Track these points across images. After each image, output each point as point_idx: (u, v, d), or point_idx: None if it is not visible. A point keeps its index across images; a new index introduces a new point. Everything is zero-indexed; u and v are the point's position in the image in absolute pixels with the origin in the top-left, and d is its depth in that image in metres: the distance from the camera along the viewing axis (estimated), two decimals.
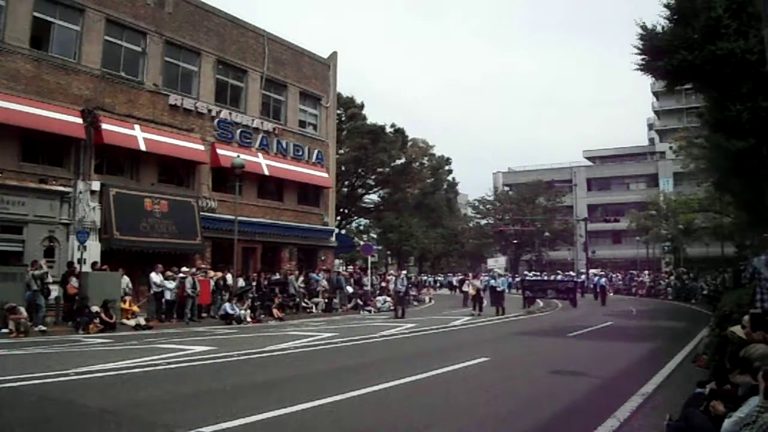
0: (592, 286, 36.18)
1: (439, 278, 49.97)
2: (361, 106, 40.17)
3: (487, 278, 27.76)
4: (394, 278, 23.67)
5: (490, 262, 36.96)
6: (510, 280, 38.90)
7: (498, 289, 23.30)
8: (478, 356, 9.92)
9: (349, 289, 25.56)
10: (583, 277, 41.28)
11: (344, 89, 36.97)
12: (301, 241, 26.17)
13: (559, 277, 37.06)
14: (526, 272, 49.65)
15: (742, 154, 12.34)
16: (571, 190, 63.26)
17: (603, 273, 38.51)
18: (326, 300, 23.72)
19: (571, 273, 41.84)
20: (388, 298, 26.60)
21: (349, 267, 34.56)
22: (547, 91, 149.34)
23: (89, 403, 6.17)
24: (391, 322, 17.92)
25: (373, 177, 42.13)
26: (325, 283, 24.12)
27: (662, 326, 17.74)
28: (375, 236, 54.05)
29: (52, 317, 15.31)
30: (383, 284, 29.28)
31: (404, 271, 32.42)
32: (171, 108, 21.09)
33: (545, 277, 37.81)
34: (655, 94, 65.30)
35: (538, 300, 26.69)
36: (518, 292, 31.86)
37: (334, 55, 29.17)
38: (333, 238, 28.53)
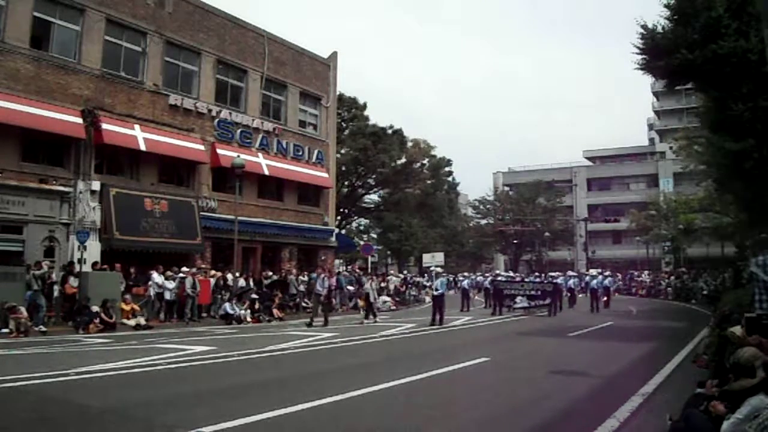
0: (587, 287, 29.52)
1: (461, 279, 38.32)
2: (364, 107, 40.18)
3: (369, 284, 20.15)
4: (319, 278, 18.30)
5: (426, 258, 29.95)
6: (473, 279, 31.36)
7: (436, 292, 18.42)
8: (478, 356, 9.91)
9: (350, 289, 25.57)
10: (575, 280, 32.13)
11: (345, 89, 36.97)
12: (301, 241, 26.17)
13: (537, 279, 27.82)
14: (498, 271, 41.36)
15: (741, 154, 12.33)
16: (571, 190, 63.25)
17: (607, 273, 31.94)
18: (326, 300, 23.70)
19: (552, 274, 32.89)
20: (388, 299, 26.62)
21: (349, 266, 34.44)
22: (547, 91, 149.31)
23: (89, 403, 6.17)
24: (392, 322, 17.88)
25: (373, 177, 42.11)
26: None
27: (662, 326, 17.74)
28: (375, 236, 54.06)
29: (52, 317, 15.30)
30: (383, 284, 29.33)
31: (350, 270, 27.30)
32: (171, 108, 21.09)
33: (517, 278, 29.19)
34: (655, 94, 65.30)
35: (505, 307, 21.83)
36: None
37: (334, 55, 29.18)
38: (333, 238, 28.52)
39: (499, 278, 26.91)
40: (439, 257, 28.59)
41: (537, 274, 34.08)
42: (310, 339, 12.80)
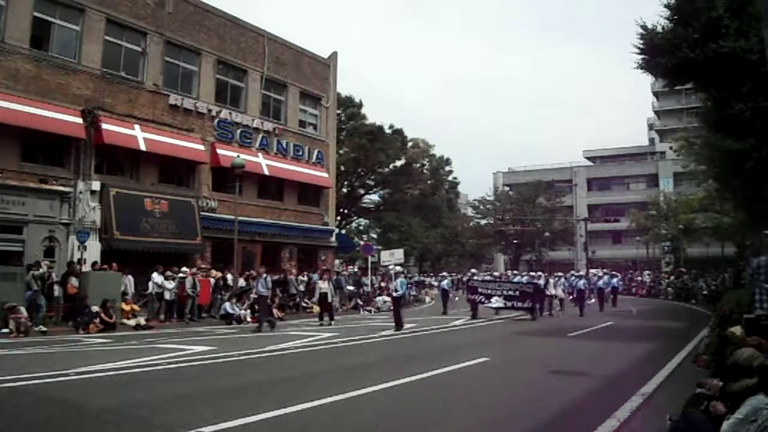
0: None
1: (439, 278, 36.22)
2: (360, 106, 40.19)
3: (325, 283, 17.95)
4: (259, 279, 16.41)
5: (385, 256, 27.86)
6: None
7: (395, 293, 16.72)
8: (478, 356, 9.91)
9: (350, 289, 25.56)
10: (563, 280, 27.08)
11: (344, 89, 36.97)
12: (301, 241, 26.17)
13: (516, 279, 25.09)
14: (474, 270, 39.19)
15: (742, 154, 12.33)
16: (571, 190, 63.26)
17: (602, 273, 29.66)
18: None
19: (533, 274, 27.76)
20: (388, 299, 26.55)
21: (350, 267, 34.27)
22: (547, 91, 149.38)
23: (89, 403, 6.17)
24: (392, 322, 17.76)
25: (373, 177, 42.13)
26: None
27: (662, 326, 17.73)
28: (375, 236, 54.08)
29: (52, 317, 15.30)
30: (383, 284, 29.32)
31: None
32: (171, 108, 21.10)
33: (496, 278, 26.90)
34: (655, 94, 65.31)
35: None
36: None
37: (334, 55, 29.18)
38: (333, 238, 28.52)
39: (475, 277, 24.94)
40: (399, 254, 26.36)
41: (540, 274, 32.18)
42: (309, 339, 12.80)
